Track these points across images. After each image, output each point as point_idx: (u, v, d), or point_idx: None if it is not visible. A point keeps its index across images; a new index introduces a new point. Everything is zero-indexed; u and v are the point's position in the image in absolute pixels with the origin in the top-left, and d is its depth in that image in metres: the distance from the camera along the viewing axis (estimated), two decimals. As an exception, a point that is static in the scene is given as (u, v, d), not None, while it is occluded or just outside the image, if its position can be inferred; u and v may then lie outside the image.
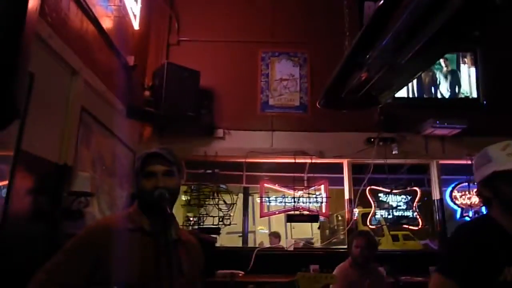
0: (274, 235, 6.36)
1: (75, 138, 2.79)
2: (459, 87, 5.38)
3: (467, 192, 5.15)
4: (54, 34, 2.46)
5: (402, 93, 5.12)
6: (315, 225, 5.73)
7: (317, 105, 3.87)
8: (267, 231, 7.95)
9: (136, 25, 4.17)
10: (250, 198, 5.99)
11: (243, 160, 5.10)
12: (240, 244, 5.54)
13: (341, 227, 6.23)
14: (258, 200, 5.14)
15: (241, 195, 5.45)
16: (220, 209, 4.73)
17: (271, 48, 5.44)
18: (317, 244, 6.71)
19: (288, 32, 5.48)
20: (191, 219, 4.82)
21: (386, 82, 3.07)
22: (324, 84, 3.67)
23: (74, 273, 1.38)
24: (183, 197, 4.89)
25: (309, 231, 7.58)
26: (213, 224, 4.67)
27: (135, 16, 4.14)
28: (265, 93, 5.26)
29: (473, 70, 5.41)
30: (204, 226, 4.68)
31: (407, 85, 4.85)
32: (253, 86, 5.29)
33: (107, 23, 3.44)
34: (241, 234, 6.06)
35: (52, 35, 2.43)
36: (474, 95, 5.34)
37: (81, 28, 2.96)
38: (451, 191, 5.21)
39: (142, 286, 1.42)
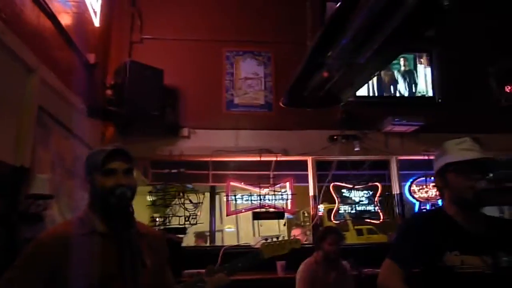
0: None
1: (32, 139, 2.68)
2: (416, 86, 5.63)
3: (424, 186, 5.40)
4: (8, 30, 2.36)
5: (363, 92, 5.28)
6: (282, 222, 5.82)
7: (280, 104, 3.93)
8: (234, 230, 7.97)
9: (96, 22, 4.07)
10: (216, 197, 5.99)
11: (209, 159, 5.09)
12: (208, 244, 5.53)
13: (308, 223, 6.35)
14: (224, 198, 5.14)
15: (207, 194, 5.44)
16: (186, 209, 4.69)
17: (235, 47, 5.44)
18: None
19: (253, 31, 5.50)
20: (157, 219, 4.76)
21: (346, 80, 3.17)
22: (288, 82, 3.73)
23: None
24: (148, 198, 4.82)
25: (276, 229, 7.68)
26: (179, 224, 4.63)
27: (95, 12, 4.03)
28: (230, 92, 5.26)
29: (428, 70, 5.67)
30: (171, 226, 4.63)
31: (367, 83, 5.01)
32: (218, 85, 5.28)
33: (65, 20, 3.33)
34: (208, 233, 6.05)
35: (5, 31, 2.33)
36: (430, 93, 5.60)
37: (37, 24, 2.86)
38: (410, 186, 5.43)
39: (105, 287, 1.40)
